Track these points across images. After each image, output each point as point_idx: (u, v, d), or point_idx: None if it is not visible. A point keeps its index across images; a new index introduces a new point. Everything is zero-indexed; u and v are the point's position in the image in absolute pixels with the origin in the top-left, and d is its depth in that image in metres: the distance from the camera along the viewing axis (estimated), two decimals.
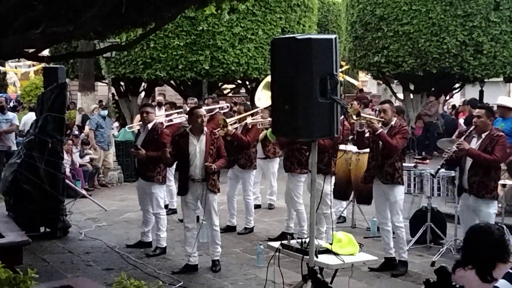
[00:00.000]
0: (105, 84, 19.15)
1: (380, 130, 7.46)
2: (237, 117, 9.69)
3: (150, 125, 8.51)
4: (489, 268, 4.00)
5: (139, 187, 8.71)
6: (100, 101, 21.03)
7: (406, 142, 7.80)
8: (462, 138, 7.40)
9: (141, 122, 8.86)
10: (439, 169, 7.79)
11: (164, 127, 9.21)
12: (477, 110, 7.44)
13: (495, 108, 9.76)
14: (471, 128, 7.31)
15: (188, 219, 7.74)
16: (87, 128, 14.78)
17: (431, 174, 8.35)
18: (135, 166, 8.88)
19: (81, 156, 13.83)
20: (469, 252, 4.20)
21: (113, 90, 19.61)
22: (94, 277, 7.19)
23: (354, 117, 7.53)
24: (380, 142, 7.54)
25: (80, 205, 11.32)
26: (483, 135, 7.11)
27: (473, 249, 4.16)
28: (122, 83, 20.34)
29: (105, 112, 14.82)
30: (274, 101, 5.34)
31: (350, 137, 9.47)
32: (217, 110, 11.31)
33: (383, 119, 7.61)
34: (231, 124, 9.22)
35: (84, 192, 12.24)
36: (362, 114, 7.64)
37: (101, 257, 8.36)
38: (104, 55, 15.59)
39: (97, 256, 8.40)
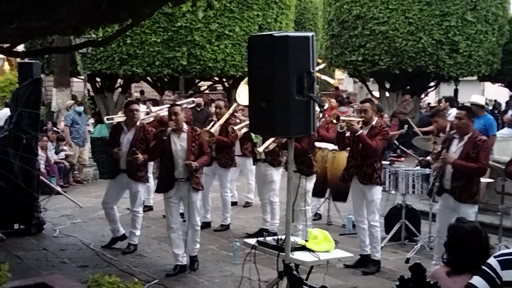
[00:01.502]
0: (81, 80, 18.96)
1: (360, 131, 7.45)
2: (221, 121, 9.48)
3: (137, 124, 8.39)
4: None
5: (118, 184, 8.47)
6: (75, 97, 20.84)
7: (386, 143, 7.81)
8: (442, 142, 7.36)
9: (123, 119, 8.74)
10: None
11: (145, 122, 9.15)
12: (457, 111, 7.36)
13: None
14: (452, 131, 7.29)
15: (172, 220, 7.55)
16: (62, 124, 14.66)
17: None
18: (114, 164, 8.57)
19: (57, 153, 13.71)
20: (455, 254, 4.14)
21: (88, 86, 19.44)
22: (69, 274, 7.11)
23: (334, 120, 7.54)
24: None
25: (55, 201, 11.22)
26: (466, 138, 6.99)
27: (463, 253, 4.09)
28: (98, 79, 20.18)
29: (81, 108, 14.69)
30: (251, 98, 5.35)
31: None
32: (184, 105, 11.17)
33: (363, 119, 7.63)
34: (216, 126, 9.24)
35: (59, 188, 12.15)
36: (341, 118, 7.63)
37: (76, 254, 8.30)
38: (80, 50, 15.43)
39: (72, 253, 8.34)
